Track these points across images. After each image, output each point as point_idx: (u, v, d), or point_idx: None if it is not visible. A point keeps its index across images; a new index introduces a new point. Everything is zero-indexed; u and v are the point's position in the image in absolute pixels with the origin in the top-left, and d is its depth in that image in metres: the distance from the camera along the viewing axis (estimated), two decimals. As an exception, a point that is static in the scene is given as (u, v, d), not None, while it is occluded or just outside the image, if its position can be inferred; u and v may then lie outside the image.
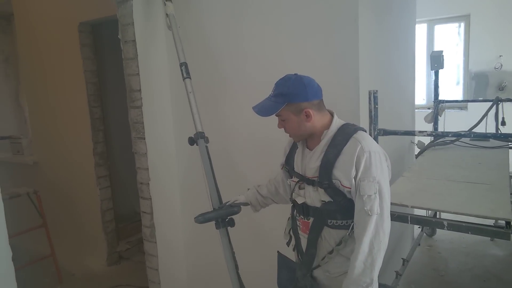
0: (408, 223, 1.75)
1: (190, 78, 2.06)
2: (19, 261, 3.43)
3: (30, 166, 3.62)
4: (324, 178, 1.35)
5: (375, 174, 1.27)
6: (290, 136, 1.47)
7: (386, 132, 1.75)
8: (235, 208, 1.81)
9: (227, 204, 1.81)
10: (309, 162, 1.42)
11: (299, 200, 1.46)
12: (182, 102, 2.33)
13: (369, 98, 1.71)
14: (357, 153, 1.29)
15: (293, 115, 1.37)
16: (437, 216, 2.73)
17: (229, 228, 1.88)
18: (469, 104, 4.79)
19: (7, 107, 4.06)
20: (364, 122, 1.93)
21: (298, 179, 1.48)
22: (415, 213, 1.92)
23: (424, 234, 3.58)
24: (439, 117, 3.28)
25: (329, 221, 1.38)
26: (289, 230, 1.61)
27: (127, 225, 3.59)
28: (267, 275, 2.36)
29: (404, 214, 1.76)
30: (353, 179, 1.30)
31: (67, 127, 3.34)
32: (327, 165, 1.34)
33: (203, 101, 2.25)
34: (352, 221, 1.35)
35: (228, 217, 1.85)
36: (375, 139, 1.76)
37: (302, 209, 1.46)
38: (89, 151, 3.20)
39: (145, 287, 2.71)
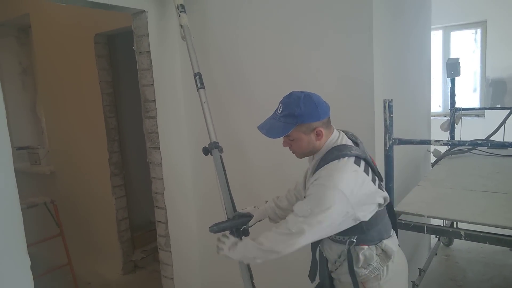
0: (424, 232, 1.72)
1: (204, 88, 2.08)
2: (37, 270, 3.49)
3: (47, 176, 3.68)
4: None
5: (308, 211, 1.27)
6: (295, 154, 1.47)
7: (402, 142, 1.73)
8: (249, 217, 1.81)
9: (241, 212, 1.81)
10: (307, 183, 1.44)
11: None
12: (196, 112, 2.35)
13: (384, 107, 1.70)
14: (318, 178, 1.30)
15: (304, 134, 1.36)
16: (454, 226, 2.69)
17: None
18: (487, 111, 4.70)
19: (24, 118, 4.15)
20: (379, 132, 1.92)
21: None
22: (431, 223, 1.90)
23: (441, 243, 3.51)
24: (455, 125, 3.23)
25: (333, 235, 1.40)
26: None
27: (142, 234, 3.61)
28: (283, 283, 2.35)
29: (421, 224, 1.73)
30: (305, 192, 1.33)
31: (83, 137, 3.40)
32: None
33: (217, 111, 2.27)
34: (349, 238, 1.37)
35: (243, 227, 1.86)
36: (390, 148, 1.74)
37: None
38: (105, 161, 3.25)
39: (159, 296, 2.72)
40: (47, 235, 3.10)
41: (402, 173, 2.29)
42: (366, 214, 1.32)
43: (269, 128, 1.38)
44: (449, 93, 3.37)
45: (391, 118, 1.71)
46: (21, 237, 1.45)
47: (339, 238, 1.41)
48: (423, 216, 1.70)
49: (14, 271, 1.44)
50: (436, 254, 3.36)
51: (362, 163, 1.32)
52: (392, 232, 1.47)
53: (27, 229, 1.49)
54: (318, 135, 1.35)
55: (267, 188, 2.29)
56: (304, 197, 1.37)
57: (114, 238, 3.36)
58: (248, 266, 1.94)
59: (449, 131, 3.25)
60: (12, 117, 3.88)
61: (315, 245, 1.53)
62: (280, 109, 1.37)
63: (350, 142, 1.41)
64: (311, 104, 1.33)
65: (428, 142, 1.78)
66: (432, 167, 2.83)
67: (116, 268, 3.40)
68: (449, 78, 3.29)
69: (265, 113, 1.48)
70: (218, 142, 2.02)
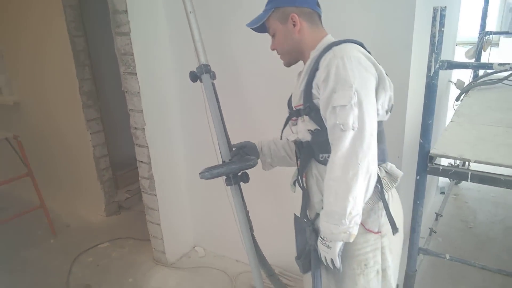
0: (467, 180, 1.39)
1: (189, -6, 1.58)
2: (9, 211, 3.22)
3: (10, 107, 3.21)
4: (306, 101, 1.13)
5: (352, 81, 0.99)
6: (281, 58, 1.27)
7: (453, 65, 1.32)
8: (250, 161, 1.44)
9: (237, 147, 1.46)
10: (295, 90, 1.21)
11: (291, 137, 1.26)
12: (182, 27, 1.88)
13: (434, 17, 1.26)
14: (328, 61, 1.04)
15: (280, 23, 1.20)
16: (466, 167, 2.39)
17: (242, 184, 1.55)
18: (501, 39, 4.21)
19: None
20: (417, 53, 1.51)
21: (289, 115, 1.26)
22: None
23: (448, 181, 3.28)
24: (483, 51, 2.79)
25: (320, 155, 1.16)
26: (294, 181, 1.35)
27: (126, 173, 3.27)
28: (285, 236, 2.07)
29: (464, 171, 1.39)
30: (324, 93, 1.04)
31: (47, 61, 2.87)
32: (307, 86, 1.12)
33: (208, 28, 1.79)
34: None
35: (241, 171, 1.50)
36: (435, 74, 1.33)
37: (298, 149, 1.25)
38: (75, 90, 2.77)
39: (147, 239, 2.45)
40: (15, 175, 2.73)
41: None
42: (379, 105, 1.07)
43: (252, 20, 1.25)
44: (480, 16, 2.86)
45: (441, 33, 1.28)
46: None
47: None
48: (469, 160, 1.35)
49: None
50: (443, 193, 3.14)
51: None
52: None
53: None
54: (295, 24, 1.17)
55: (269, 123, 1.91)
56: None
57: (93, 177, 3.01)
58: (248, 217, 1.64)
59: (474, 59, 2.82)
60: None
61: (301, 174, 1.25)
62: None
63: None
64: None
65: (488, 66, 1.37)
66: (457, 99, 2.45)
67: (98, 209, 3.10)
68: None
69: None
70: (209, 65, 1.59)
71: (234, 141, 1.53)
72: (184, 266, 2.38)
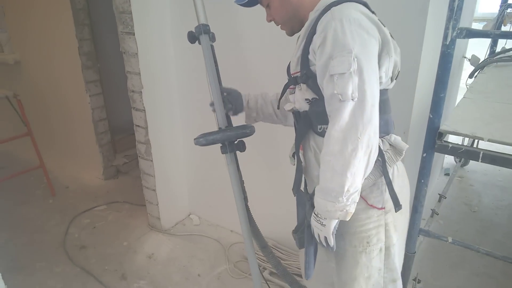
0: (478, 160, 1.30)
1: None
2: (9, 170, 3.21)
3: (11, 65, 3.13)
4: (303, 67, 1.04)
5: (351, 45, 0.89)
6: (282, 28, 1.17)
7: (472, 33, 1.20)
8: (247, 129, 1.36)
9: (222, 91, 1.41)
10: (293, 57, 1.10)
11: (288, 107, 1.17)
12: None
13: (455, -22, 1.13)
14: (325, 24, 0.93)
15: None
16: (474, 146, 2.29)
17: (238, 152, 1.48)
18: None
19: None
20: (433, 18, 1.39)
21: (287, 83, 1.16)
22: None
23: (455, 162, 3.19)
24: (503, 26, 2.62)
25: (318, 126, 1.07)
26: (293, 154, 1.25)
27: (124, 137, 3.22)
28: (281, 209, 2.03)
29: (475, 150, 1.30)
30: (320, 59, 0.94)
31: (47, 19, 2.77)
32: (304, 51, 1.02)
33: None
34: None
35: (238, 139, 1.43)
36: (452, 43, 1.22)
37: (296, 119, 1.16)
38: (74, 51, 2.68)
39: (143, 205, 2.43)
40: (15, 134, 2.69)
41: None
42: (382, 72, 0.97)
43: None
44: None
45: (462, -3, 1.16)
46: None
47: None
48: (482, 139, 1.26)
49: None
50: (447, 174, 3.05)
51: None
52: None
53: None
54: None
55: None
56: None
57: (92, 140, 2.96)
58: (243, 187, 1.58)
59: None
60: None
61: (298, 147, 1.16)
62: None
63: None
64: None
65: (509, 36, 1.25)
66: (470, 77, 2.32)
67: (96, 172, 3.08)
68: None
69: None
70: (208, 26, 1.48)
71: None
72: (178, 233, 2.36)
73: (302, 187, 1.23)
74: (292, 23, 1.13)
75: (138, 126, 2.17)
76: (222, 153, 1.49)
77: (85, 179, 3.07)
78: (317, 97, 1.03)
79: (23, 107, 2.61)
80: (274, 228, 2.00)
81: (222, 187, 2.07)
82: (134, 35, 1.92)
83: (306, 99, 1.08)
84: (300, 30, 1.12)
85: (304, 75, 1.03)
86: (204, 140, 1.35)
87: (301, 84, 1.07)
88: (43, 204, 2.71)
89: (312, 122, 1.09)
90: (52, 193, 2.81)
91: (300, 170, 1.18)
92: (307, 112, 1.10)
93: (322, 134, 1.06)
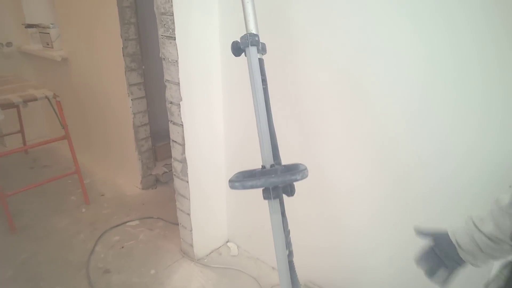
0: None
1: None
2: (53, 169, 3.13)
3: (58, 62, 3.04)
4: None
5: None
6: None
7: None
8: (297, 174, 1.05)
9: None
10: None
11: None
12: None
13: None
14: None
15: None
16: None
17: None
18: None
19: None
20: None
21: None
22: None
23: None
24: None
25: None
26: None
27: (166, 145, 3.01)
28: (338, 263, 1.66)
29: None
30: None
31: (94, 17, 2.62)
32: None
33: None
34: None
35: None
36: None
37: None
38: (118, 51, 2.50)
39: (178, 224, 2.18)
40: (58, 133, 2.57)
41: None
42: None
43: None
44: None
45: None
46: None
47: None
48: None
49: None
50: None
51: None
52: None
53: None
54: None
55: (335, 129, 1.48)
56: None
57: (131, 147, 2.79)
58: (287, 239, 1.25)
59: None
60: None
61: None
62: None
63: None
64: None
65: None
66: None
67: (134, 181, 2.90)
68: None
69: None
70: (258, 36, 1.17)
71: (282, 140, 1.13)
72: (213, 264, 2.08)
73: None
74: None
75: (175, 142, 1.92)
76: (264, 199, 1.18)
77: (122, 187, 2.91)
78: None
79: (62, 109, 2.48)
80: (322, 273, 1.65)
81: (266, 216, 1.76)
82: (175, 39, 1.66)
83: None
84: None
85: None
86: (240, 185, 1.06)
87: None
88: (76, 213, 2.56)
89: None
90: (86, 201, 2.67)
91: None
92: None
93: None
